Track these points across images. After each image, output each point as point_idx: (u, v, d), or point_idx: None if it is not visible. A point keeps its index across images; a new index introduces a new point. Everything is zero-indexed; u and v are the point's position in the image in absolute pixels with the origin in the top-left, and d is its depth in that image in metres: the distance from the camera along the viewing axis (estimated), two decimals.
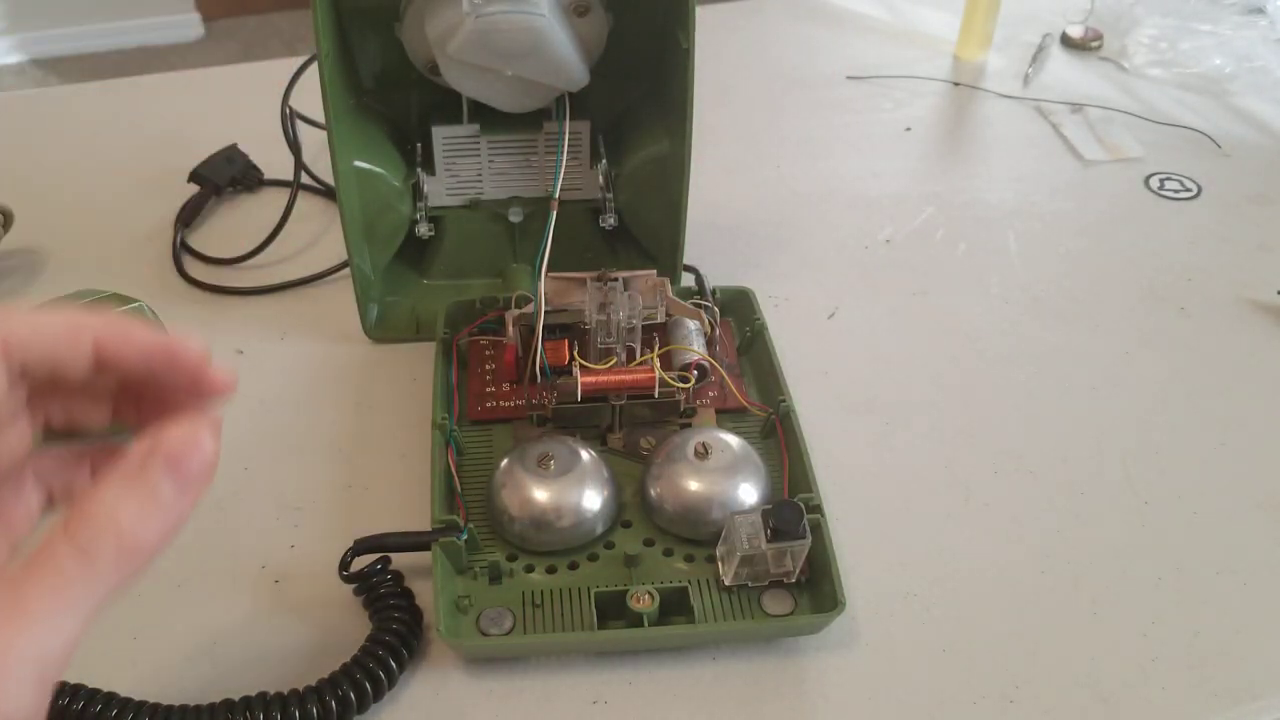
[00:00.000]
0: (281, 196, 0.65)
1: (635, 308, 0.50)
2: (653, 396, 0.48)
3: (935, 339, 0.58)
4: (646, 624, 0.41)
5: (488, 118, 0.55)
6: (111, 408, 0.29)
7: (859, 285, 0.62)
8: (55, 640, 0.22)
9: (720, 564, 0.43)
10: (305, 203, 0.67)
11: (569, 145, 0.55)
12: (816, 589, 0.43)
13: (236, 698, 0.38)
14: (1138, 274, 0.63)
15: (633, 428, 0.49)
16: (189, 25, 2.70)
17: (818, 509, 0.44)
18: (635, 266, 0.56)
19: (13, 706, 0.21)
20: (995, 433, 0.52)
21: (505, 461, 0.45)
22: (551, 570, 0.43)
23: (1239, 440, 0.52)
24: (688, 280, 0.58)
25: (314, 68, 0.49)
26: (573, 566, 0.44)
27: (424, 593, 0.42)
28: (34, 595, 0.22)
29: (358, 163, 0.53)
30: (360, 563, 0.42)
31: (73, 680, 0.37)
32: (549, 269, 0.50)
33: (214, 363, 0.28)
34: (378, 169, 0.54)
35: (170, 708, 0.37)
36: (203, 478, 0.24)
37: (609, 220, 0.57)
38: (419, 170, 0.56)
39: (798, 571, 0.42)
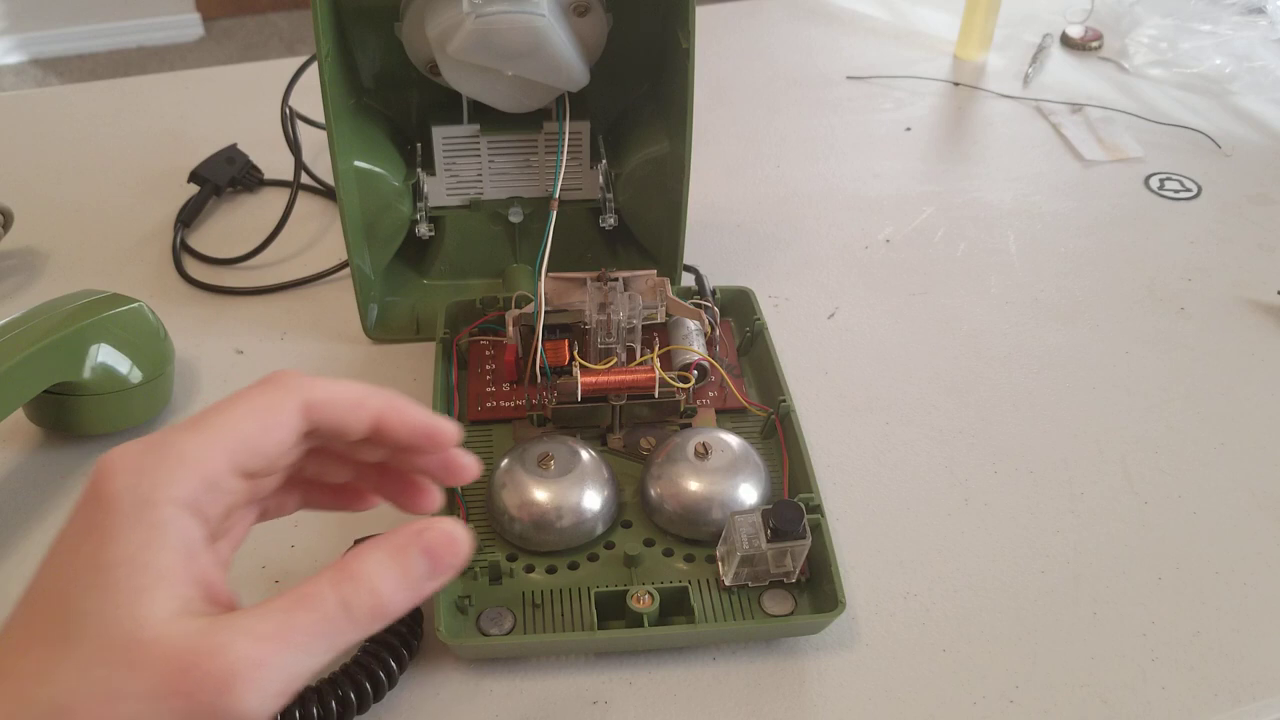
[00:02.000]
0: (281, 196, 0.65)
1: (635, 308, 0.50)
2: (653, 396, 0.48)
3: (935, 339, 0.58)
4: (646, 624, 0.41)
5: (488, 118, 0.55)
6: (355, 469, 0.34)
7: (859, 285, 0.62)
8: (300, 666, 0.26)
9: (720, 564, 0.43)
10: (305, 203, 0.67)
11: (569, 145, 0.55)
12: (816, 589, 0.43)
13: None
14: (1138, 274, 0.64)
15: (633, 428, 0.49)
16: (189, 25, 2.70)
17: (818, 509, 0.44)
18: (635, 266, 0.56)
19: (256, 707, 0.25)
20: (995, 433, 0.52)
21: (505, 461, 0.45)
22: (551, 570, 0.43)
23: (1239, 440, 0.52)
24: (688, 280, 0.58)
25: (314, 68, 0.49)
26: (573, 566, 0.44)
27: None
28: (299, 626, 0.27)
29: (358, 163, 0.53)
30: None
31: None
32: (549, 269, 0.50)
33: (463, 452, 0.33)
34: (378, 169, 0.54)
35: None
36: (452, 571, 0.29)
37: (609, 220, 0.57)
38: (419, 170, 0.56)
39: (798, 571, 0.42)
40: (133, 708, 0.25)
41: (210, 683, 0.25)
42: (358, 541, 0.42)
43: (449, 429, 0.32)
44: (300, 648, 0.27)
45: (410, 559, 0.29)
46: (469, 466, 0.33)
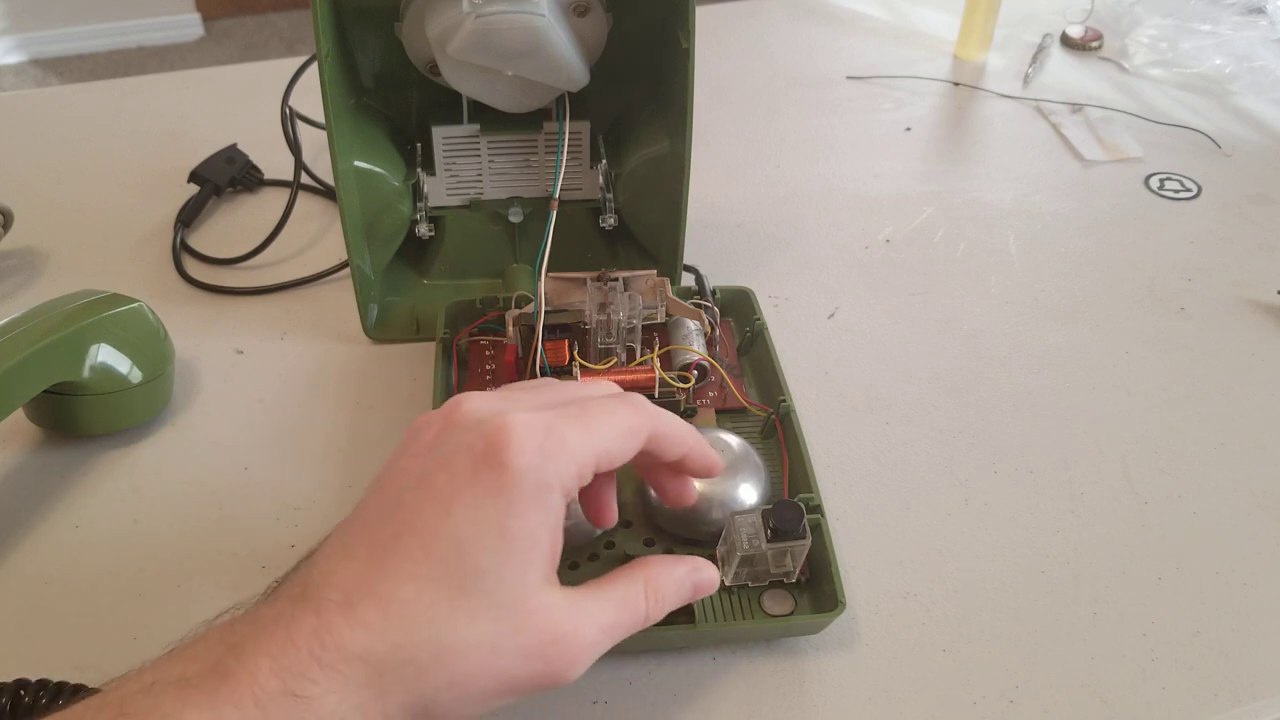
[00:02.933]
0: (281, 196, 0.65)
1: (635, 308, 0.50)
2: (653, 396, 0.48)
3: (935, 339, 0.58)
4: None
5: (488, 118, 0.55)
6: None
7: (859, 285, 0.62)
8: (602, 643, 0.33)
9: (720, 564, 0.43)
10: (305, 203, 0.67)
11: (569, 145, 0.55)
12: (816, 589, 0.43)
13: None
14: (1138, 274, 0.64)
15: None
16: (189, 25, 2.70)
17: (818, 509, 0.44)
18: (635, 266, 0.56)
19: (576, 679, 0.32)
20: (995, 433, 0.52)
21: None
22: None
23: (1239, 440, 0.52)
24: (688, 280, 0.58)
25: (314, 68, 0.49)
26: (573, 566, 0.44)
27: None
28: (620, 624, 0.33)
29: (358, 163, 0.53)
30: None
31: (73, 680, 0.37)
32: (549, 269, 0.50)
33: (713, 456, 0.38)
34: (378, 169, 0.54)
35: None
36: (700, 596, 0.37)
37: (609, 220, 0.57)
38: (419, 170, 0.56)
39: (798, 571, 0.42)
40: (508, 662, 0.30)
41: (567, 656, 0.31)
42: None
43: (720, 465, 0.39)
44: (613, 640, 0.33)
45: (686, 588, 0.36)
46: (717, 465, 0.39)
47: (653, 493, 0.45)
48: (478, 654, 0.30)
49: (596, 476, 0.34)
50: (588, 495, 0.39)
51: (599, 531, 0.44)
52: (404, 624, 0.29)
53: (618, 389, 0.37)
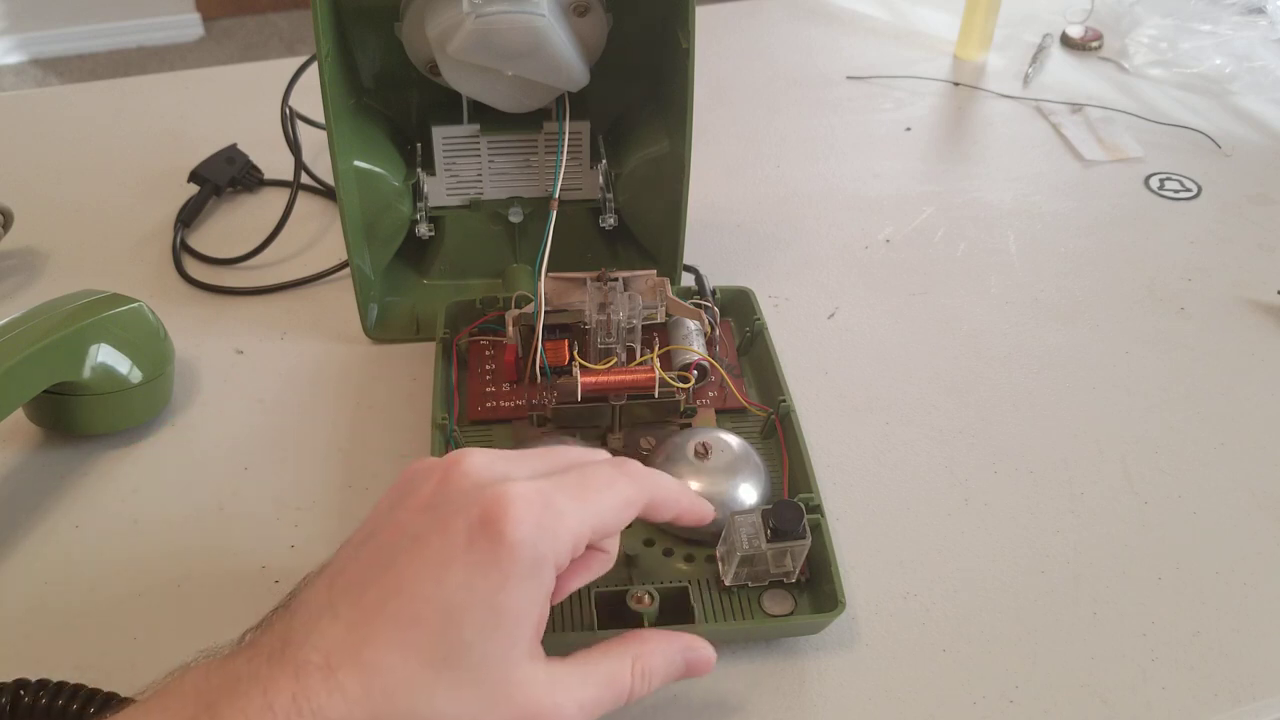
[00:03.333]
0: (281, 196, 0.65)
1: (635, 308, 0.50)
2: (653, 396, 0.48)
3: (935, 339, 0.58)
4: (646, 624, 0.41)
5: (488, 118, 0.55)
6: None
7: (859, 285, 0.62)
8: (588, 701, 0.33)
9: (720, 564, 0.43)
10: (305, 203, 0.67)
11: (569, 145, 0.55)
12: (816, 589, 0.43)
13: None
14: (1138, 274, 0.64)
15: (633, 428, 0.49)
16: (189, 25, 2.70)
17: (818, 509, 0.44)
18: (635, 266, 0.56)
19: None
20: (995, 433, 0.52)
21: None
22: None
23: (1239, 440, 0.52)
24: (688, 280, 0.58)
25: (314, 68, 0.49)
26: None
27: None
28: (602, 702, 0.33)
29: (358, 163, 0.53)
30: None
31: (72, 680, 0.37)
32: (549, 269, 0.50)
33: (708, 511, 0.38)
34: (378, 169, 0.54)
35: None
36: (694, 675, 0.37)
37: (609, 220, 0.57)
38: (419, 170, 0.56)
39: (798, 572, 0.42)
40: None
41: None
42: None
43: (710, 513, 0.39)
44: (594, 717, 0.33)
45: (677, 666, 0.36)
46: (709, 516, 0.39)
47: None
48: None
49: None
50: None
51: None
52: (384, 693, 0.29)
53: (610, 456, 0.37)
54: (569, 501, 0.32)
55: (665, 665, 0.35)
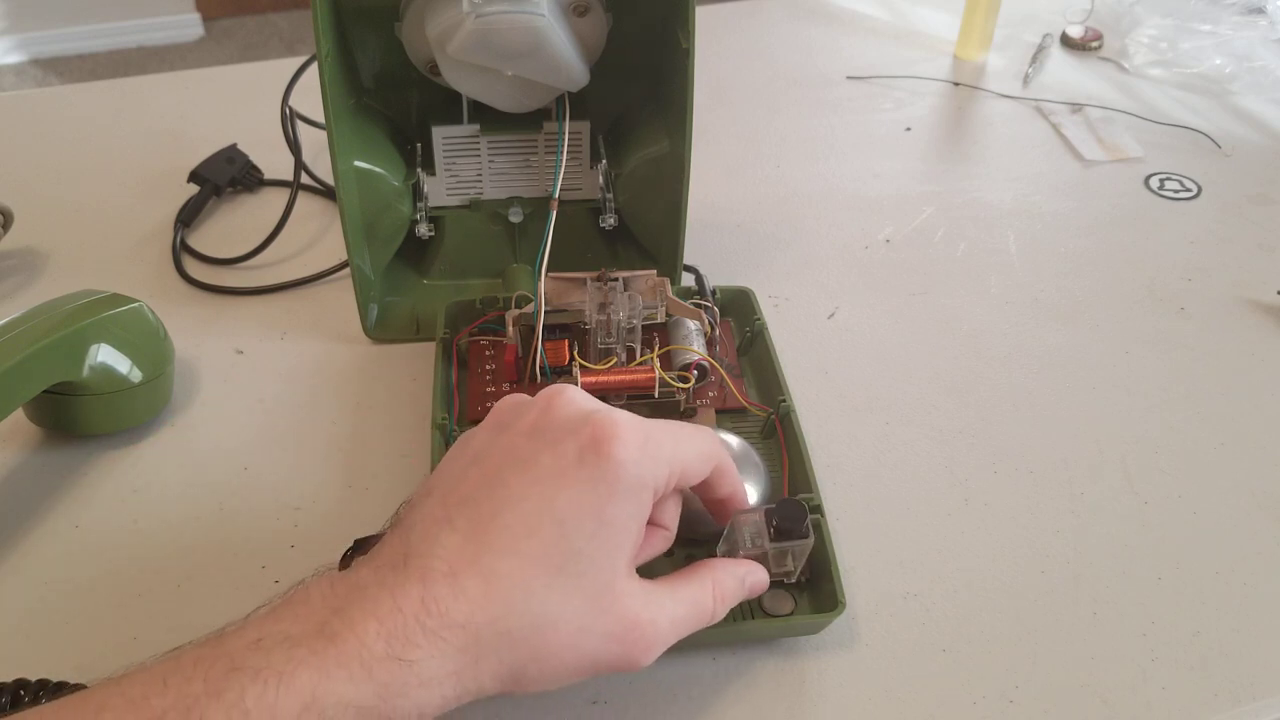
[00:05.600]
0: (281, 196, 0.65)
1: (635, 308, 0.50)
2: (653, 396, 0.48)
3: (935, 339, 0.58)
4: None
5: (488, 118, 0.55)
6: None
7: (859, 285, 0.62)
8: (671, 637, 0.35)
9: None
10: (305, 203, 0.67)
11: (569, 145, 0.55)
12: (816, 589, 0.43)
13: None
14: (1138, 274, 0.64)
15: None
16: (189, 25, 2.70)
17: (818, 509, 0.44)
18: (635, 266, 0.56)
19: (651, 658, 0.34)
20: (995, 433, 0.52)
21: None
22: None
23: (1239, 440, 0.52)
24: (688, 280, 0.58)
25: (314, 68, 0.49)
26: None
27: None
28: (688, 621, 0.36)
29: (358, 163, 0.53)
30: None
31: (72, 680, 0.37)
32: (549, 269, 0.50)
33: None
34: (378, 169, 0.54)
35: None
36: (752, 596, 0.40)
37: (609, 220, 0.57)
38: (419, 170, 0.56)
39: (798, 572, 0.42)
40: (592, 642, 0.32)
41: (643, 643, 0.33)
42: (358, 541, 0.42)
43: (766, 580, 0.40)
44: (681, 635, 0.35)
45: (745, 591, 0.38)
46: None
47: None
48: (567, 631, 0.32)
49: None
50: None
51: None
52: (503, 596, 0.31)
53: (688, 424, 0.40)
54: (667, 438, 0.35)
55: (736, 588, 0.38)
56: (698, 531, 0.44)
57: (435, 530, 0.32)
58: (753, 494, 0.45)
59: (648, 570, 0.40)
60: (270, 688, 0.28)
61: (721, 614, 0.37)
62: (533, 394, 0.50)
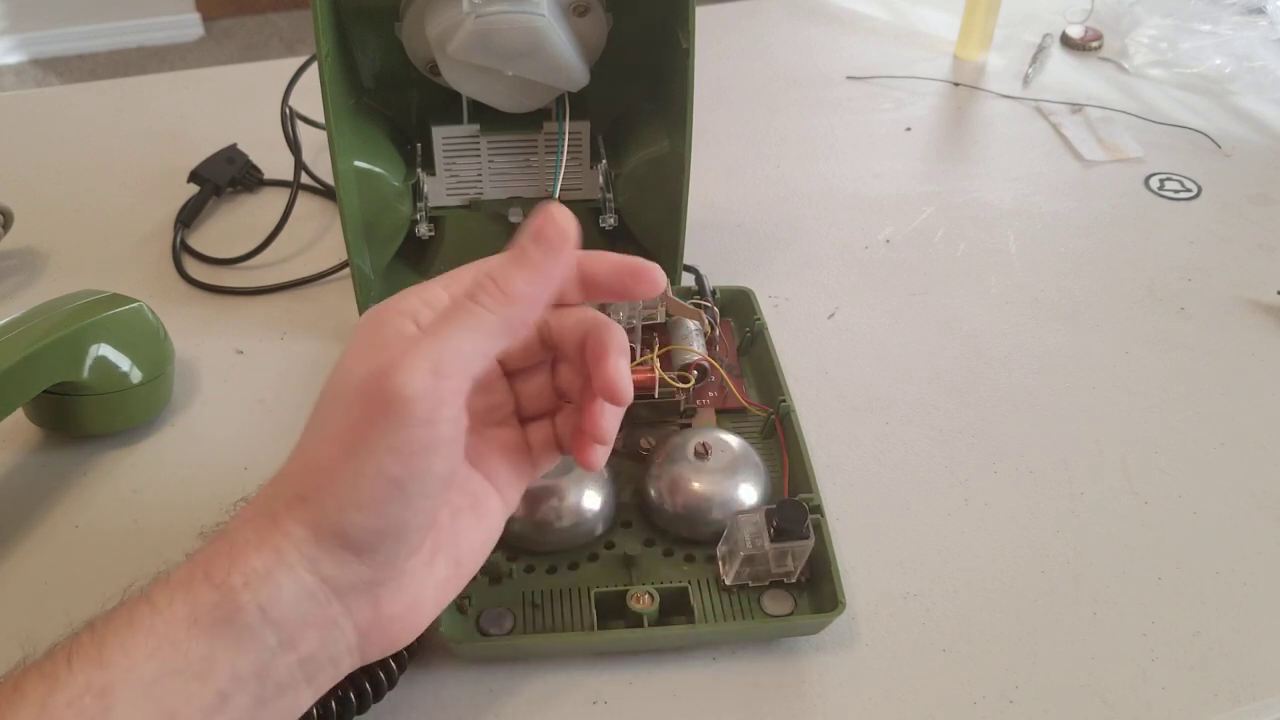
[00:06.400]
0: (281, 196, 0.65)
1: (635, 308, 0.50)
2: (653, 396, 0.48)
3: (935, 339, 0.58)
4: (646, 624, 0.41)
5: (488, 118, 0.55)
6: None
7: (859, 285, 0.62)
8: (450, 351, 0.30)
9: (721, 564, 0.43)
10: (305, 203, 0.67)
11: (569, 145, 0.55)
12: (816, 589, 0.43)
13: None
14: (1138, 274, 0.64)
15: (633, 428, 0.49)
16: (189, 25, 2.70)
17: (818, 509, 0.44)
18: None
19: (406, 383, 0.29)
20: (995, 433, 0.52)
21: None
22: (551, 570, 0.43)
23: (1239, 440, 0.52)
24: (688, 280, 0.58)
25: (314, 68, 0.49)
26: (573, 566, 0.44)
27: None
28: (442, 327, 0.30)
29: (358, 163, 0.53)
30: None
31: None
32: None
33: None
34: (378, 169, 0.54)
35: None
36: (560, 241, 0.32)
37: (609, 220, 0.57)
38: (419, 170, 0.56)
39: (798, 572, 0.42)
40: (348, 379, 0.31)
41: (385, 352, 0.30)
42: None
43: (647, 265, 0.34)
44: (444, 338, 0.30)
45: (522, 248, 0.31)
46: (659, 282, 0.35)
47: (652, 493, 0.45)
48: (320, 418, 0.32)
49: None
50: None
51: (600, 531, 0.44)
52: (290, 465, 0.32)
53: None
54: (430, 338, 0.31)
55: (504, 259, 0.32)
56: (699, 531, 0.44)
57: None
58: (753, 494, 0.45)
59: (649, 573, 0.40)
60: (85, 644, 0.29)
61: (509, 309, 0.31)
62: None
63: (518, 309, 0.31)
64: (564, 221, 0.32)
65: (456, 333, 0.30)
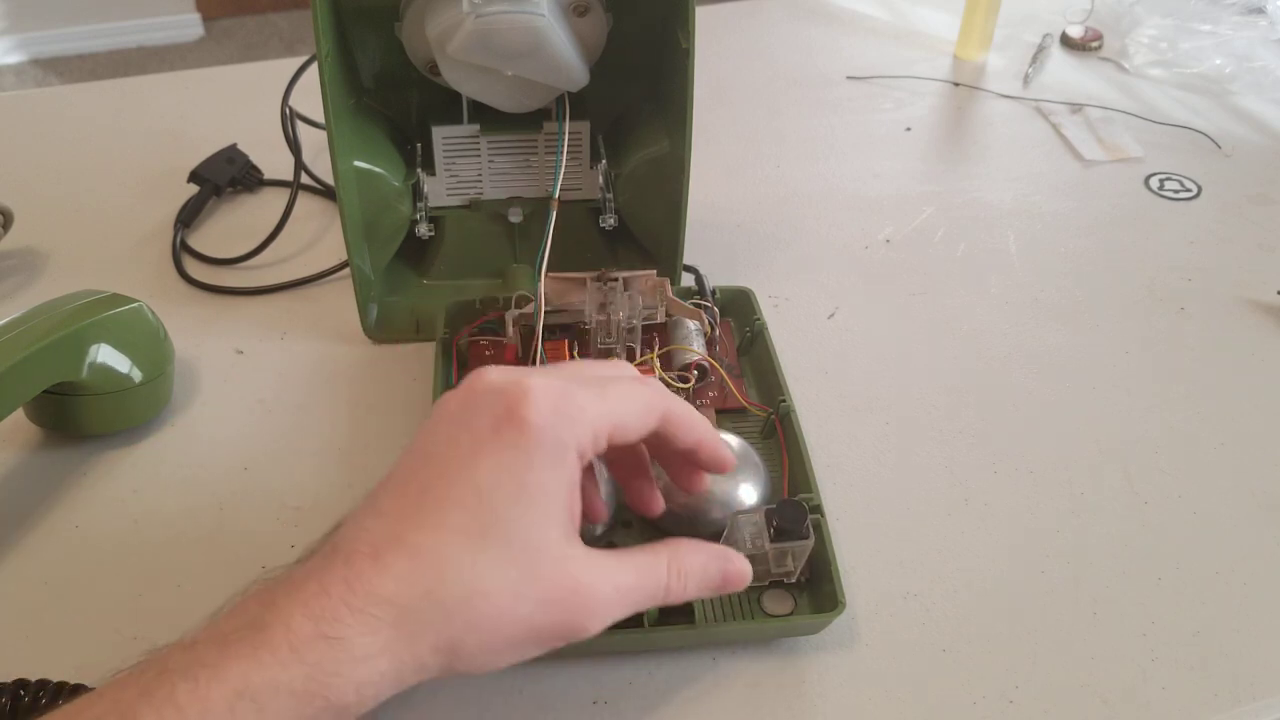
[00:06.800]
0: (281, 196, 0.65)
1: (635, 308, 0.50)
2: None
3: (935, 339, 0.58)
4: (646, 624, 0.41)
5: (488, 118, 0.55)
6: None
7: (859, 285, 0.62)
8: (618, 602, 0.34)
9: None
10: (305, 203, 0.67)
11: (569, 145, 0.55)
12: (816, 589, 0.43)
13: None
14: (1138, 274, 0.64)
15: None
16: (189, 25, 2.70)
17: (818, 509, 0.44)
18: (635, 266, 0.56)
19: (595, 633, 0.33)
20: (995, 433, 0.52)
21: None
22: None
23: (1239, 440, 0.52)
24: (688, 280, 0.58)
25: (314, 68, 0.49)
26: None
27: None
28: (637, 589, 0.34)
29: (358, 163, 0.53)
30: None
31: (72, 681, 0.37)
32: (549, 269, 0.50)
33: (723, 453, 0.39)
34: (378, 169, 0.54)
35: None
36: (729, 590, 0.38)
37: (609, 220, 0.57)
38: (419, 170, 0.56)
39: (798, 572, 0.42)
40: (528, 609, 0.32)
41: (584, 609, 0.33)
42: None
43: (732, 461, 0.40)
44: (631, 603, 0.34)
45: (713, 575, 0.37)
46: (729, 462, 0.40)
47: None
48: (500, 599, 0.31)
49: (630, 461, 0.38)
50: (626, 480, 0.41)
51: (599, 531, 0.44)
52: (432, 570, 0.31)
53: (636, 371, 0.39)
54: (588, 396, 0.34)
55: (701, 570, 0.36)
56: (699, 531, 0.44)
57: (361, 518, 0.33)
58: (752, 494, 0.45)
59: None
60: (201, 682, 0.28)
61: (679, 592, 0.35)
62: None
63: (669, 600, 0.36)
64: (746, 581, 0.38)
65: (637, 605, 0.34)
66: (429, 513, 0.32)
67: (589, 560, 0.33)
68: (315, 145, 0.68)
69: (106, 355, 0.48)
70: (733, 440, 0.46)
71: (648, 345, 0.51)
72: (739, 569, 0.37)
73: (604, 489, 0.44)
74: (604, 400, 0.34)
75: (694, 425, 0.37)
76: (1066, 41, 0.90)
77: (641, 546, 0.36)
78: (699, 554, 0.36)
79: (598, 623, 0.33)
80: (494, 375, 0.35)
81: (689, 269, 0.58)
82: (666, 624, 0.41)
